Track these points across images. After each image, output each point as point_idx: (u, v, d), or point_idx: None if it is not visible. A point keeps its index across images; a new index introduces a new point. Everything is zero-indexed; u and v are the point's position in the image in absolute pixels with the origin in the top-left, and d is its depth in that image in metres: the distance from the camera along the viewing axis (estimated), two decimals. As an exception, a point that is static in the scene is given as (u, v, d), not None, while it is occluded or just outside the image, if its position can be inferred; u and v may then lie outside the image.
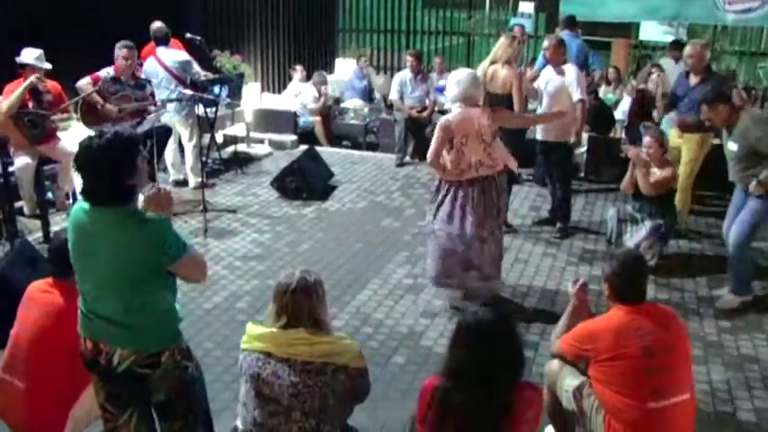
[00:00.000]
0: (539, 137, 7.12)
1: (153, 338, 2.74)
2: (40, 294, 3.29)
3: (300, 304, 2.79)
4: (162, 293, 2.75)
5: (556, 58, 6.82)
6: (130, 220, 2.65)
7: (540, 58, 8.07)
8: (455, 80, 4.96)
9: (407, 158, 9.30)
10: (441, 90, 10.35)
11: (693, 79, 6.42)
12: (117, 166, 2.62)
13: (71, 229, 2.76)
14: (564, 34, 8.17)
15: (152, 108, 7.08)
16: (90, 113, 6.71)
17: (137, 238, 2.63)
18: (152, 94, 7.21)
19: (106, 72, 6.77)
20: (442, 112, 9.47)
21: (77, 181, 6.51)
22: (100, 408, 2.91)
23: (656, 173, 5.79)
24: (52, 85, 6.55)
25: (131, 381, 2.75)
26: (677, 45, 9.41)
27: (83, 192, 2.70)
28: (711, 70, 6.63)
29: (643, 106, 8.69)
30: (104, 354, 2.72)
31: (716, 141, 6.29)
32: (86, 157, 2.63)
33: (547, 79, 6.89)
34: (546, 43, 7.03)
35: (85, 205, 2.70)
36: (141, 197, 2.78)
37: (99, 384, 2.85)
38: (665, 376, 3.03)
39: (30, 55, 6.26)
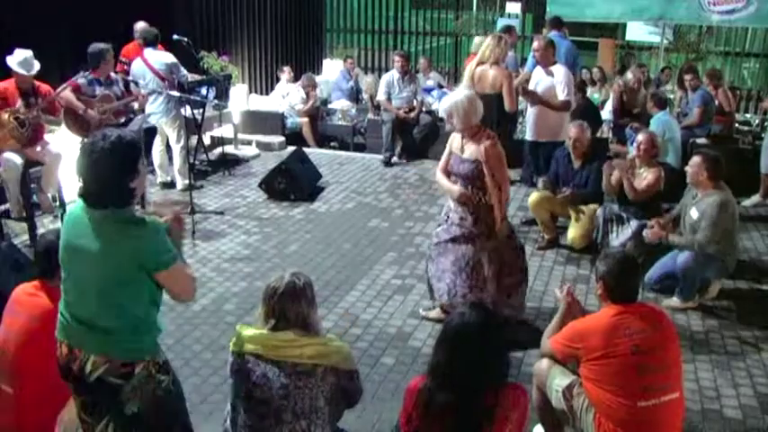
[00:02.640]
0: (528, 137, 7.17)
1: (128, 347, 2.70)
2: (26, 298, 3.26)
3: (288, 307, 2.79)
4: (144, 302, 2.71)
5: (545, 59, 6.87)
6: (125, 222, 2.64)
7: (529, 60, 8.12)
8: (457, 111, 4.54)
9: (395, 159, 9.30)
10: (428, 91, 10.39)
11: (576, 162, 6.28)
12: (120, 167, 2.61)
13: (65, 224, 2.75)
14: (552, 35, 8.21)
15: (134, 104, 7.05)
16: (74, 121, 6.66)
17: (129, 238, 2.62)
18: (128, 92, 7.18)
19: (83, 77, 6.70)
20: (429, 113, 9.51)
21: (64, 183, 6.52)
22: (77, 417, 2.87)
23: (643, 174, 5.83)
24: (44, 87, 6.46)
25: (103, 391, 2.70)
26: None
27: (81, 194, 2.68)
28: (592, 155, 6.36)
29: (623, 104, 8.76)
30: (78, 360, 2.69)
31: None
32: (89, 158, 2.61)
33: (537, 80, 6.94)
34: (535, 44, 7.07)
35: (84, 204, 2.69)
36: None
37: (74, 393, 2.83)
38: (655, 375, 3.05)
39: (13, 60, 6.17)
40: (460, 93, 4.69)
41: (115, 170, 2.61)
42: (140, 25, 7.76)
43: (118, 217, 2.64)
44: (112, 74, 7.04)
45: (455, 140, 4.77)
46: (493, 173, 4.55)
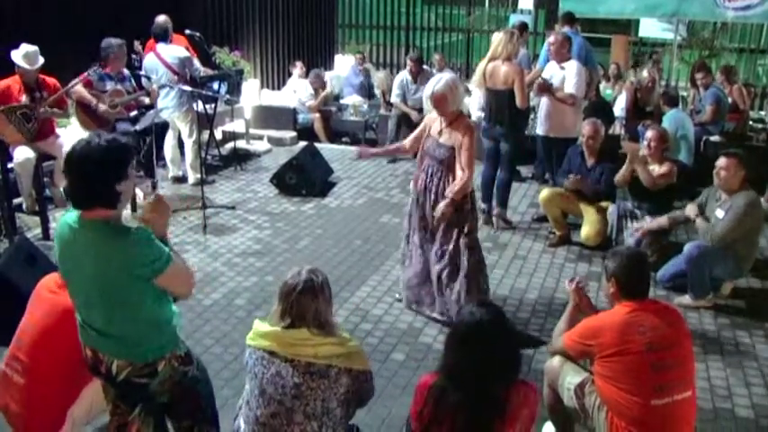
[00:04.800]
0: (540, 132, 7.15)
1: (145, 350, 2.72)
2: (47, 294, 3.29)
3: (306, 305, 2.75)
4: (151, 303, 2.70)
5: (560, 54, 6.86)
6: (113, 232, 2.60)
7: (541, 56, 8.09)
8: (452, 91, 4.58)
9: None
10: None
11: (590, 160, 6.24)
12: (110, 168, 2.58)
13: (57, 243, 2.73)
14: (563, 31, 8.17)
15: (145, 98, 7.07)
16: (85, 115, 6.69)
17: (119, 249, 2.58)
18: (138, 86, 7.23)
19: (94, 71, 6.73)
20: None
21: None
22: (109, 404, 2.93)
23: (655, 170, 5.80)
24: (51, 81, 6.51)
25: (132, 388, 2.76)
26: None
27: (67, 194, 2.65)
28: (606, 152, 6.31)
29: (636, 102, 8.70)
30: (103, 363, 2.73)
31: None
32: (81, 157, 2.58)
33: (550, 75, 6.92)
34: (551, 38, 7.07)
35: (70, 219, 2.66)
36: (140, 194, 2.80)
37: (107, 386, 2.88)
38: (669, 373, 3.03)
39: (17, 54, 6.21)
40: (447, 75, 4.75)
41: (106, 170, 2.57)
42: (160, 19, 7.80)
43: (104, 228, 2.59)
44: (125, 70, 7.07)
45: (434, 124, 4.80)
46: (460, 159, 4.58)
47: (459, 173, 4.59)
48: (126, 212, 2.89)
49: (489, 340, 2.61)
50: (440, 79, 4.64)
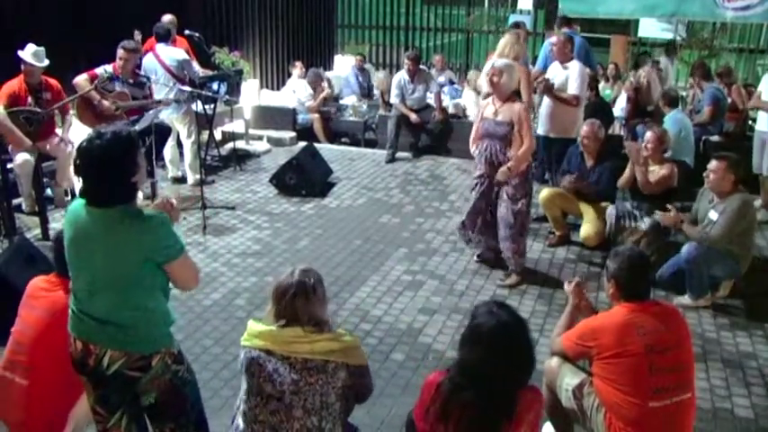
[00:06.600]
0: (540, 132, 7.16)
1: (145, 340, 2.72)
2: (43, 293, 3.27)
3: (299, 308, 2.77)
4: (156, 295, 2.73)
5: (563, 54, 6.87)
6: (130, 217, 2.62)
7: (540, 57, 8.09)
8: (509, 71, 5.22)
9: (405, 154, 9.29)
10: (439, 86, 10.38)
11: (590, 161, 6.23)
12: (119, 165, 2.60)
13: (68, 225, 2.73)
14: (564, 31, 8.17)
15: (150, 106, 7.03)
16: (86, 110, 6.69)
17: (135, 233, 2.61)
18: (151, 94, 7.16)
19: (104, 69, 6.73)
20: (443, 110, 9.45)
21: (77, 178, 6.54)
22: (91, 409, 2.89)
23: (655, 171, 5.80)
24: (53, 83, 6.52)
25: (121, 383, 2.73)
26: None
27: (83, 194, 2.66)
28: (606, 153, 6.28)
29: (637, 104, 8.69)
30: (94, 355, 2.70)
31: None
32: (87, 159, 2.60)
33: (552, 75, 6.93)
34: (554, 39, 7.09)
35: (84, 201, 2.67)
36: (140, 195, 2.79)
37: (89, 386, 2.83)
38: (668, 375, 3.02)
39: (26, 52, 6.24)
40: (503, 59, 5.72)
41: (115, 168, 2.60)
42: (165, 18, 7.79)
43: (122, 213, 2.62)
44: (141, 75, 7.04)
45: (486, 108, 5.38)
46: (521, 132, 5.17)
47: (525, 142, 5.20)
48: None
49: (507, 342, 2.60)
50: (498, 60, 5.46)
